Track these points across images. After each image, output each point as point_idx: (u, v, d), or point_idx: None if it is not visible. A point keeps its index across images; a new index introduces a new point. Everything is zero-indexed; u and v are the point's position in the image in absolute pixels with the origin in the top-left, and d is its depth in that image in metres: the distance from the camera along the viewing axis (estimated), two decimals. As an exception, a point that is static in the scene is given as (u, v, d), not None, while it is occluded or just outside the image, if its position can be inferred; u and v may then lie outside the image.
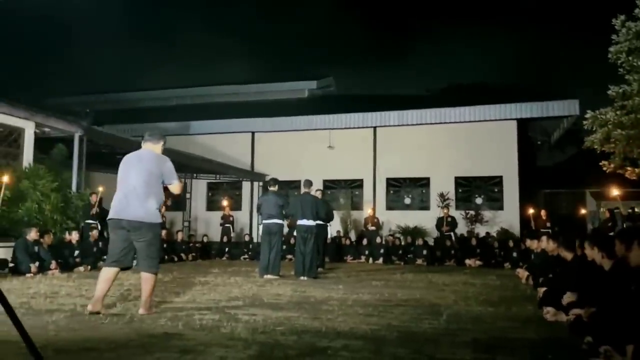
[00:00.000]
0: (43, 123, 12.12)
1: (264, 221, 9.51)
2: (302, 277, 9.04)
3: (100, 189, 12.32)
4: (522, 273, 9.29)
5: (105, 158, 14.70)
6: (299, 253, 9.32)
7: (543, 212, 15.31)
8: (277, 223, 9.49)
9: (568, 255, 5.93)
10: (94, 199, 12.08)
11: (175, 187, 5.06)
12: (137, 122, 19.30)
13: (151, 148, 5.08)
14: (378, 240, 15.61)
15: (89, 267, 10.21)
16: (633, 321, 3.02)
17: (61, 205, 11.28)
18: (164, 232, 14.82)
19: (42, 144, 12.80)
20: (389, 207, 18.95)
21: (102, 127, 15.19)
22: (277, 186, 9.81)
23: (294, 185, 19.70)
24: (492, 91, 21.13)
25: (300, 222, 9.47)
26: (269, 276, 9.03)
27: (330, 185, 19.45)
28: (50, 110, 13.39)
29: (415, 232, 16.91)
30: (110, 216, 4.94)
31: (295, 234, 9.36)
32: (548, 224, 14.87)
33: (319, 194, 10.85)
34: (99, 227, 12.04)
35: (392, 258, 14.89)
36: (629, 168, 12.93)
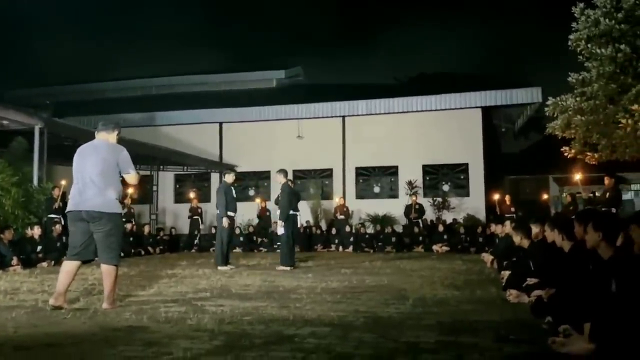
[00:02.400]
0: (1, 115, 11.73)
1: None
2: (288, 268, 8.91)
3: (63, 182, 11.99)
4: (487, 257, 9.49)
5: (68, 150, 14.16)
6: (289, 244, 9.16)
7: (507, 198, 15.64)
8: (217, 214, 9.51)
9: (525, 243, 6.08)
10: (56, 192, 11.77)
11: (131, 178, 4.94)
12: (101, 114, 18.79)
13: (105, 138, 4.96)
14: (348, 229, 15.70)
15: (52, 262, 9.93)
16: (590, 300, 3.12)
17: (22, 199, 10.98)
18: (130, 225, 14.56)
19: (1, 137, 12.41)
20: (359, 196, 19.08)
21: (65, 119, 14.81)
22: (230, 176, 9.67)
23: (264, 175, 19.62)
24: (457, 80, 21.39)
25: (292, 212, 9.35)
26: (221, 268, 8.91)
27: (300, 175, 19.43)
28: (9, 102, 12.98)
29: (385, 220, 17.08)
30: (69, 208, 4.84)
31: (284, 224, 9.20)
32: (512, 209, 15.21)
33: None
34: (62, 221, 11.74)
35: (361, 246, 15.00)
36: (588, 153, 13.27)
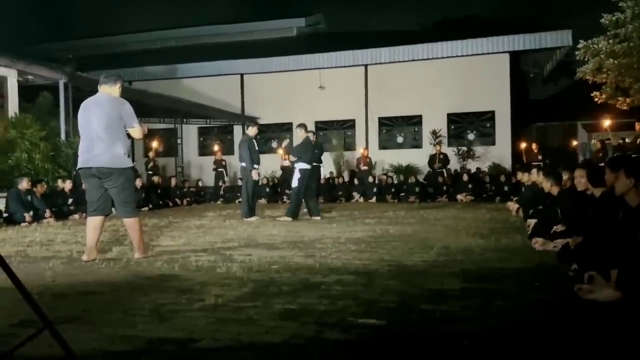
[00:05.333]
0: (26, 70, 11.84)
1: None
2: (317, 218, 9.04)
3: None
4: (512, 206, 9.42)
5: (93, 105, 14.43)
6: (299, 197, 9.21)
7: (534, 146, 15.40)
8: (242, 166, 9.58)
9: (555, 190, 5.98)
10: (84, 147, 11.96)
11: (135, 131, 4.87)
12: (122, 67, 18.83)
13: (108, 91, 4.84)
14: (371, 179, 15.71)
15: (84, 214, 10.23)
16: (618, 247, 3.09)
17: (51, 154, 11.21)
18: (156, 178, 14.83)
19: (27, 92, 12.55)
20: (382, 147, 18.96)
21: (87, 73, 14.85)
22: (252, 129, 9.61)
23: (286, 127, 19.57)
24: (484, 24, 20.69)
25: (308, 165, 9.32)
26: (247, 219, 9.01)
27: (322, 126, 19.32)
28: (31, 57, 13.04)
29: (408, 171, 17.01)
30: (79, 165, 4.85)
31: (299, 176, 9.21)
32: (539, 157, 14.99)
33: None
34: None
35: (385, 197, 15.04)
36: (620, 98, 12.88)
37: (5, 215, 9.12)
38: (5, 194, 9.46)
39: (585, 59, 12.78)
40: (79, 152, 4.87)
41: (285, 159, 17.15)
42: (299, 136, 9.49)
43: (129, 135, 4.90)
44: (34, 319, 1.93)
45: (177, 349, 2.32)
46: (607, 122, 12.35)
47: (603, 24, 12.42)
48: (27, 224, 8.81)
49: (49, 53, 21.66)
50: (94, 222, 4.84)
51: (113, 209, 5.02)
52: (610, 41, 12.24)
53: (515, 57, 18.11)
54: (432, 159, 15.85)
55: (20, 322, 2.70)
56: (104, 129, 4.67)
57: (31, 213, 9.12)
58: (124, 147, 4.76)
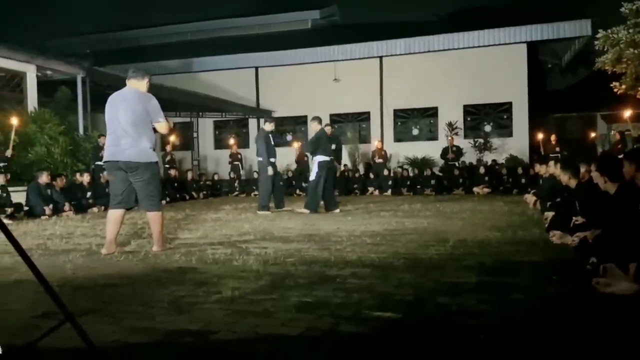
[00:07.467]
0: (44, 66, 12.01)
1: None
2: (336, 210, 9.06)
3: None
4: (530, 198, 9.33)
5: (110, 99, 14.59)
6: (317, 189, 9.19)
7: (552, 137, 15.19)
8: (258, 161, 9.59)
9: (573, 183, 5.91)
10: (102, 140, 12.09)
11: (161, 126, 4.91)
12: (139, 61, 18.95)
13: (136, 86, 4.90)
14: (386, 172, 15.65)
15: (102, 207, 10.39)
16: (637, 240, 3.05)
17: (70, 148, 11.37)
18: (173, 172, 14.97)
19: (46, 87, 12.73)
20: (397, 139, 18.88)
21: (104, 68, 15.00)
22: (269, 124, 9.58)
23: (301, 120, 19.58)
24: (501, 14, 20.38)
25: (326, 158, 9.29)
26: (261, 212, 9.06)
27: (337, 119, 19.29)
28: (49, 52, 13.22)
29: (424, 163, 16.92)
30: (105, 159, 4.91)
31: (317, 169, 9.19)
32: (557, 149, 14.79)
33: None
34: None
35: (400, 189, 14.98)
36: (640, 88, 12.64)
37: (25, 208, 9.29)
38: (25, 188, 9.63)
39: (605, 49, 12.55)
40: (105, 145, 4.95)
41: (299, 152, 17.20)
42: (313, 129, 9.50)
43: (155, 130, 4.94)
44: (55, 311, 1.98)
45: (194, 341, 2.36)
46: (627, 113, 12.12)
47: (623, 13, 12.17)
48: (47, 217, 8.97)
49: (66, 48, 21.92)
50: (115, 215, 4.90)
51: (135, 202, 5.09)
52: (631, 30, 11.99)
53: (533, 48, 17.87)
54: (445, 151, 15.74)
55: (42, 314, 2.76)
56: (130, 123, 4.73)
57: (51, 206, 9.28)
58: (150, 142, 4.83)
